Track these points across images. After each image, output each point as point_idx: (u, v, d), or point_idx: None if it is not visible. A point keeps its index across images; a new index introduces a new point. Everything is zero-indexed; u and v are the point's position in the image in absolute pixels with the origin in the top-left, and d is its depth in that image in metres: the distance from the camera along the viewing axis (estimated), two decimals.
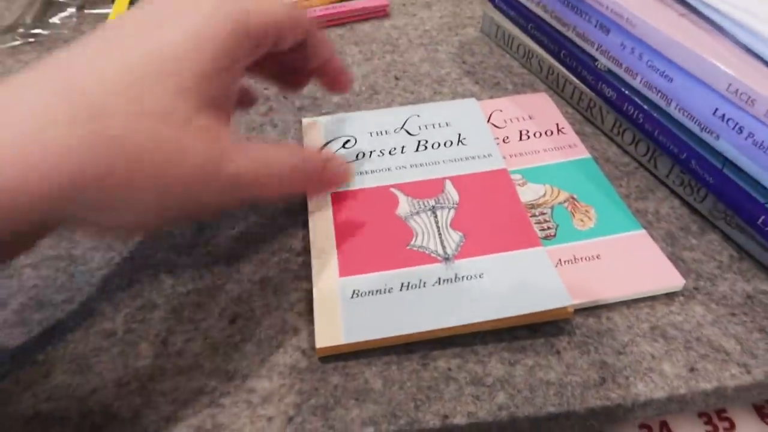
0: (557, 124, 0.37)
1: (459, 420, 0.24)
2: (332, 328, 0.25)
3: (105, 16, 0.46)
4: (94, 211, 0.20)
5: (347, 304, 0.26)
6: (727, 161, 0.30)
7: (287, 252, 0.31)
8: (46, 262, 0.30)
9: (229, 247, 0.31)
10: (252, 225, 0.32)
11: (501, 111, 0.38)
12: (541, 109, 0.39)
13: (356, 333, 0.25)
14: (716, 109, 0.29)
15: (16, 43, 0.48)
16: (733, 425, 0.27)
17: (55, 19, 0.50)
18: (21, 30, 0.48)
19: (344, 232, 0.30)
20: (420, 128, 0.36)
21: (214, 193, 0.22)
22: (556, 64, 0.40)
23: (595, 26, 0.36)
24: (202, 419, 0.24)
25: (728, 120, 0.29)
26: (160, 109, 0.20)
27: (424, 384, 0.25)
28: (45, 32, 0.49)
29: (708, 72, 0.29)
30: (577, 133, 0.37)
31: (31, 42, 0.48)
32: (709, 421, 0.27)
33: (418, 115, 0.37)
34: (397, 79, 0.43)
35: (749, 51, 0.29)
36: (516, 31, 0.44)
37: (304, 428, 0.23)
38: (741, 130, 0.28)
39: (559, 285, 0.26)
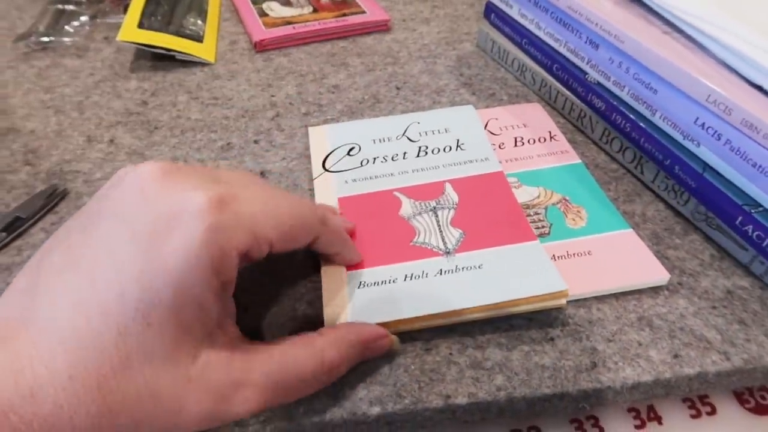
0: (550, 132, 0.39)
1: (460, 400, 0.25)
2: (340, 314, 0.27)
3: (117, 25, 0.48)
4: None
5: (354, 294, 0.28)
6: (707, 166, 0.32)
7: None
8: None
9: None
10: None
11: (497, 119, 0.41)
12: (534, 117, 0.41)
13: (362, 318, 0.27)
14: (697, 118, 0.32)
15: (28, 50, 0.50)
16: (714, 410, 0.29)
17: (68, 28, 0.51)
18: (33, 38, 0.50)
19: (350, 232, 0.32)
20: (420, 135, 0.38)
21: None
22: (549, 77, 0.43)
23: (586, 42, 0.38)
24: None
25: (708, 128, 0.31)
26: (151, 374, 0.19)
27: (427, 367, 0.26)
28: (58, 39, 0.50)
29: (689, 84, 0.32)
30: (569, 141, 0.39)
31: (44, 49, 0.50)
32: (692, 406, 0.29)
33: (419, 122, 0.40)
34: (398, 89, 0.45)
35: (726, 65, 0.32)
36: (510, 46, 0.46)
37: (314, 407, 0.25)
38: (719, 137, 0.31)
39: (555, 272, 0.28)
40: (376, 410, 0.25)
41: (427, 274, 0.29)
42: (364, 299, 0.28)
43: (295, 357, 0.22)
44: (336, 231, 0.27)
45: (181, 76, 0.46)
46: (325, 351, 0.23)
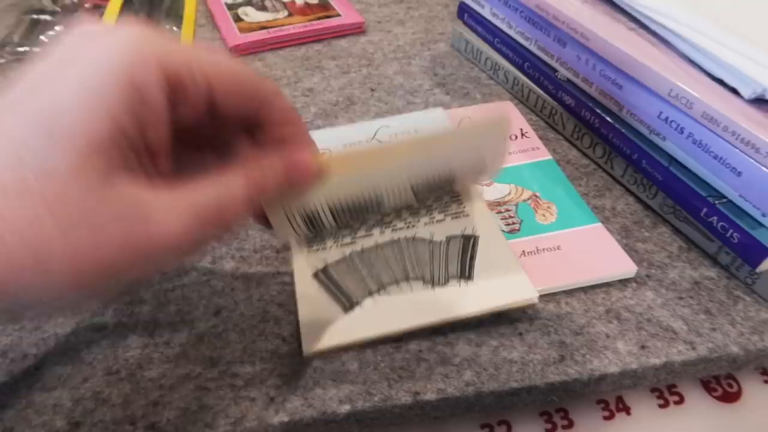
0: (521, 129, 0.40)
1: (429, 396, 0.25)
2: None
3: None
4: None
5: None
6: (672, 160, 0.33)
7: (268, 249, 0.32)
8: None
9: (212, 247, 0.33)
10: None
11: (469, 118, 0.41)
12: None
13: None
14: (660, 112, 0.32)
15: (3, 61, 0.49)
16: (682, 399, 0.29)
17: (43, 37, 0.51)
18: (8, 48, 0.50)
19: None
20: (390, 138, 0.39)
21: (146, 262, 0.19)
22: (521, 75, 0.43)
23: (554, 40, 0.39)
24: (188, 402, 0.25)
25: (671, 122, 0.32)
26: (57, 189, 0.17)
27: (397, 365, 0.27)
28: (33, 50, 0.50)
29: (652, 79, 0.32)
30: (541, 138, 0.40)
31: (19, 60, 0.50)
32: (660, 396, 0.29)
33: (388, 126, 0.40)
34: (372, 90, 0.45)
35: (689, 60, 0.32)
36: (483, 46, 0.47)
37: (284, 407, 0.25)
38: (682, 130, 0.31)
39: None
40: (345, 408, 0.25)
41: None
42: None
43: (226, 188, 0.20)
44: (287, 103, 0.23)
45: None
46: (255, 181, 0.21)
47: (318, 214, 0.25)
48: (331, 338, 0.27)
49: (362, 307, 0.28)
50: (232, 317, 0.29)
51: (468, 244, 0.30)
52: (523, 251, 0.31)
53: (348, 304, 0.28)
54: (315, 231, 0.27)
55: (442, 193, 0.32)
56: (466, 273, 0.29)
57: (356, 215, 0.27)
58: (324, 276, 0.29)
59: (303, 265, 0.30)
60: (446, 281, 0.29)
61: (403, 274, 0.29)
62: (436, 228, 0.31)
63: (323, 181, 0.24)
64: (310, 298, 0.29)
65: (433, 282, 0.29)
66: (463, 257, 0.30)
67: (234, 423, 0.25)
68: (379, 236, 0.31)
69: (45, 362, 0.27)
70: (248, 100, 0.21)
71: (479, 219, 0.32)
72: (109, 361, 0.27)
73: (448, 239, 0.31)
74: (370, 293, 0.29)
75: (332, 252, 0.30)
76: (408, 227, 0.31)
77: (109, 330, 0.28)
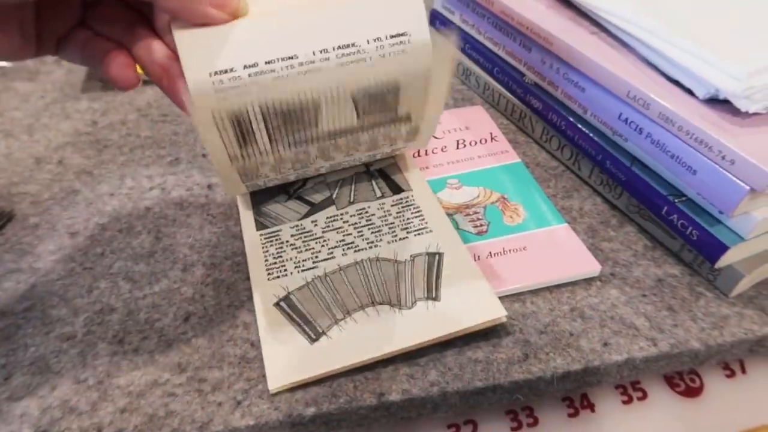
0: (491, 133, 0.40)
1: (394, 397, 0.26)
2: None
3: None
4: None
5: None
6: (635, 160, 0.33)
7: (240, 256, 0.33)
8: (8, 275, 0.32)
9: (184, 255, 0.33)
10: (207, 234, 0.34)
11: (440, 123, 0.42)
12: (476, 120, 0.42)
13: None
14: (621, 114, 0.33)
15: None
16: (645, 395, 0.30)
17: None
18: None
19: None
20: None
21: None
22: (491, 80, 0.44)
23: (520, 45, 0.40)
24: (155, 408, 0.25)
25: (630, 123, 0.32)
26: None
27: (363, 366, 0.27)
28: (8, 65, 0.51)
29: (610, 81, 0.33)
30: (511, 141, 0.40)
31: None
32: (624, 392, 0.30)
33: None
34: None
35: (647, 62, 0.33)
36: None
37: (251, 411, 0.25)
38: (641, 131, 0.32)
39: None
40: (311, 411, 0.25)
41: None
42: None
43: None
44: None
45: (131, 94, 0.47)
46: None
47: (248, 115, 0.24)
48: (297, 373, 0.26)
49: (329, 337, 0.27)
50: (202, 323, 0.29)
51: (433, 261, 0.30)
52: (490, 252, 0.32)
53: (313, 334, 0.27)
54: (247, 146, 0.25)
55: (385, 112, 0.28)
56: (432, 294, 0.29)
57: (291, 125, 0.25)
58: (286, 305, 0.29)
59: (263, 296, 0.29)
60: (413, 303, 0.28)
61: (368, 299, 0.29)
62: (399, 246, 0.31)
63: (240, 13, 0.23)
64: (272, 330, 0.28)
65: (400, 305, 0.28)
66: (429, 277, 0.30)
67: (200, 427, 0.25)
68: (342, 258, 0.31)
69: (13, 372, 0.27)
70: None
71: (442, 234, 0.32)
72: (78, 369, 0.27)
73: (413, 257, 0.31)
74: (336, 321, 0.28)
75: (294, 278, 0.30)
76: (371, 247, 0.31)
77: (78, 339, 0.28)
